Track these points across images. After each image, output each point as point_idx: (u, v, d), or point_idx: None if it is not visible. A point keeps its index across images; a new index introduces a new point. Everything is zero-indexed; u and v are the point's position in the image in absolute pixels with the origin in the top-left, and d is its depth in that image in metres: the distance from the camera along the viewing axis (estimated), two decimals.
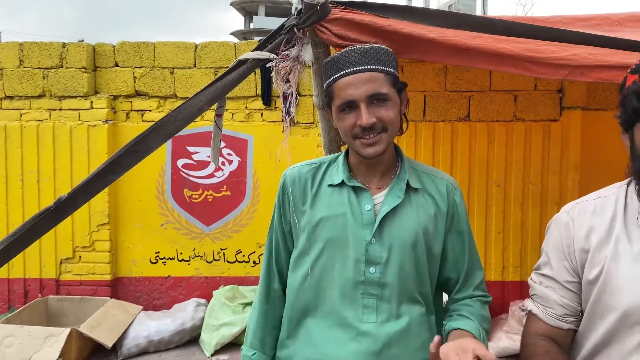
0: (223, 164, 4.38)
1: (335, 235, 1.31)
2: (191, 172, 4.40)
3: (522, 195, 4.17)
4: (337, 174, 1.36)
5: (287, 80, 1.83)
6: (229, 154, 4.38)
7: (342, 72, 1.29)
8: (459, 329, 1.29)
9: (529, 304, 1.29)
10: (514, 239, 4.22)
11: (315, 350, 1.31)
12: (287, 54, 1.67)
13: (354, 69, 1.28)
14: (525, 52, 1.55)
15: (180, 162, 4.39)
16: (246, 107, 4.39)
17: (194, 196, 4.41)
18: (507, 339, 3.81)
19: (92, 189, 1.55)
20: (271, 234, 1.45)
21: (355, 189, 1.34)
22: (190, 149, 4.38)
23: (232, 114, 4.39)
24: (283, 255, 1.43)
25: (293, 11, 1.67)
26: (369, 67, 1.28)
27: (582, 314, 1.22)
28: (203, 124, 4.37)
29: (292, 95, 1.75)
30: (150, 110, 4.41)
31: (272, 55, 1.65)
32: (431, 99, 4.21)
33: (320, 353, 1.31)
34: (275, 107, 4.37)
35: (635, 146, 1.09)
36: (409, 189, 1.34)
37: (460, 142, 4.20)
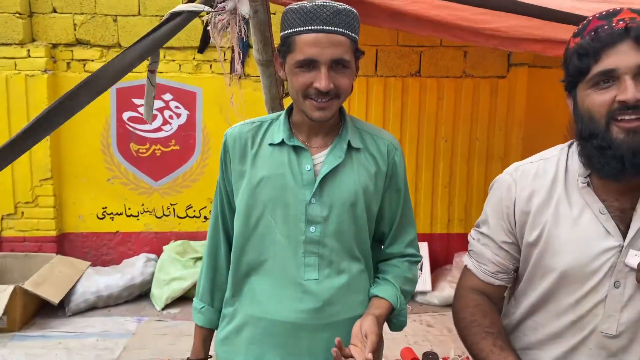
0: (171, 117, 4.26)
1: (276, 195, 1.31)
2: (138, 126, 4.27)
3: (469, 151, 4.27)
4: (278, 132, 1.35)
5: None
6: (177, 107, 4.26)
7: (310, 27, 1.23)
8: (377, 296, 1.34)
9: (465, 258, 1.34)
10: (459, 193, 4.34)
11: (258, 308, 1.34)
12: (224, 7, 1.60)
13: (325, 27, 1.22)
14: (459, 20, 1.54)
15: (126, 115, 4.25)
16: (194, 58, 4.25)
17: (141, 150, 4.30)
18: (450, 288, 3.98)
19: (18, 149, 1.48)
20: (217, 192, 1.44)
21: (296, 149, 1.33)
22: (137, 101, 4.23)
23: (180, 65, 4.25)
24: (228, 214, 1.43)
25: None
26: (340, 29, 1.23)
27: (515, 272, 1.28)
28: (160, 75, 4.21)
29: (233, 50, 1.68)
30: (92, 60, 4.21)
31: (206, 8, 1.58)
32: (383, 53, 4.19)
33: (262, 311, 1.33)
34: (225, 59, 4.25)
35: (578, 107, 1.11)
36: (350, 148, 1.34)
37: (411, 98, 4.23)
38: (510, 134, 4.24)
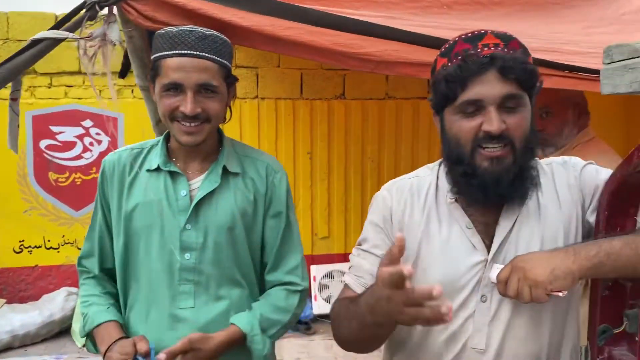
0: (92, 144, 4.13)
1: (151, 221, 1.30)
2: (56, 154, 4.10)
3: (395, 170, 4.35)
4: (155, 158, 1.34)
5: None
6: (98, 134, 4.13)
7: (175, 51, 1.23)
8: (233, 323, 1.32)
9: (345, 277, 1.34)
10: None
11: (141, 332, 1.31)
12: (91, 34, 1.58)
13: (189, 52, 1.23)
14: (334, 45, 1.59)
15: (44, 143, 4.08)
16: (115, 84, 4.14)
17: (60, 179, 4.13)
18: None
19: None
20: (93, 223, 1.41)
21: (172, 174, 1.32)
22: (54, 128, 4.07)
23: (100, 91, 4.12)
24: (107, 242, 1.39)
25: None
26: (205, 54, 1.25)
27: None
28: (67, 101, 4.08)
29: (108, 76, 1.65)
30: (6, 87, 4.03)
31: (70, 35, 1.55)
32: (308, 77, 4.24)
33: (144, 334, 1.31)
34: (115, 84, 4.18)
35: (446, 130, 1.14)
36: (227, 173, 1.34)
37: (337, 120, 4.29)
38: (434, 153, 4.36)
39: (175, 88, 1.24)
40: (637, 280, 1.01)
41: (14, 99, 1.64)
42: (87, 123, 4.12)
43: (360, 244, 1.32)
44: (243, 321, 1.32)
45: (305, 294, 1.44)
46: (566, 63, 1.69)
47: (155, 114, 1.95)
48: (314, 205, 4.36)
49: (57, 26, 1.61)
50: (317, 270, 4.32)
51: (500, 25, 1.63)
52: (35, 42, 1.55)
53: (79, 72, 4.08)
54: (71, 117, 4.07)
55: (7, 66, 1.53)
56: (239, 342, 1.31)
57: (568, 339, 1.16)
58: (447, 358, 1.16)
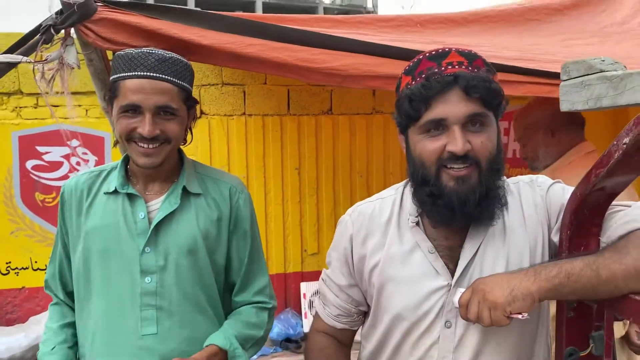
0: (78, 164, 4.11)
1: (108, 245, 1.28)
2: (43, 174, 4.08)
3: (384, 185, 4.32)
4: (113, 180, 1.33)
5: None
6: (85, 153, 4.11)
7: (134, 73, 1.22)
8: (210, 344, 1.30)
9: (315, 301, 1.33)
10: None
11: None
12: (47, 57, 1.57)
13: (148, 74, 1.23)
14: (298, 61, 1.58)
15: (30, 164, 4.06)
16: (80, 105, 4.15)
17: (47, 200, 4.10)
18: None
19: None
20: (55, 246, 1.40)
21: (130, 196, 1.31)
22: (40, 148, 4.06)
23: (87, 110, 4.13)
24: (66, 267, 1.38)
25: (49, 10, 1.56)
26: (164, 76, 1.24)
27: (360, 316, 1.27)
28: (53, 121, 4.06)
29: (67, 98, 1.65)
30: None
31: (24, 59, 1.54)
32: (295, 93, 4.24)
33: None
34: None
35: (410, 150, 1.13)
36: (188, 194, 1.32)
37: (324, 135, 4.28)
38: None
39: (134, 110, 1.23)
40: (602, 302, 0.99)
41: None
42: (74, 143, 4.10)
43: (327, 265, 1.30)
44: (219, 339, 1.30)
45: (273, 312, 1.43)
46: (541, 69, 1.68)
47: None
48: (304, 221, 4.33)
49: (11, 50, 1.60)
50: (307, 288, 4.27)
51: (476, 41, 1.62)
52: None
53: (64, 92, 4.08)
54: (57, 137, 4.05)
55: None
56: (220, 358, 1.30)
57: None
58: None
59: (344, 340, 1.28)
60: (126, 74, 1.23)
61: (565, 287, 0.95)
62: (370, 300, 1.22)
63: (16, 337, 3.71)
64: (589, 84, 0.97)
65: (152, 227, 1.27)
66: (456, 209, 1.06)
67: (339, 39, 1.57)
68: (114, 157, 4.14)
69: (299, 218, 4.31)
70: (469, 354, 1.09)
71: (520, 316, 0.95)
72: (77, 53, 1.65)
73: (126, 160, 1.36)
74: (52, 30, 1.49)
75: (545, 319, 1.14)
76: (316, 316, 1.31)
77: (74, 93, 4.10)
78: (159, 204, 1.30)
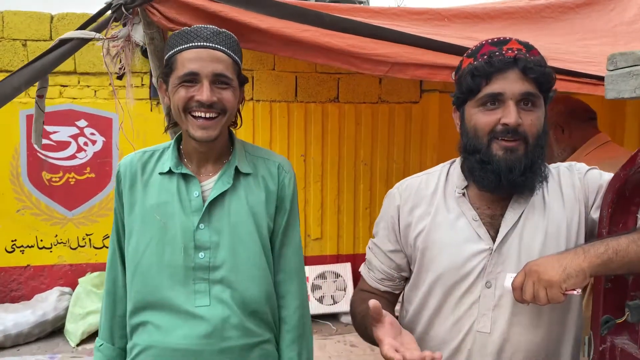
0: (86, 144, 4.12)
1: (164, 223, 1.32)
2: (50, 154, 4.08)
3: (387, 173, 4.43)
4: (167, 161, 1.36)
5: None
6: (92, 134, 4.13)
7: (191, 44, 1.26)
8: None
9: (361, 267, 1.42)
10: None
11: (151, 338, 1.32)
12: (117, 34, 1.62)
13: (205, 44, 1.26)
14: (349, 47, 1.65)
15: None
16: (110, 84, 4.15)
17: (53, 179, 4.11)
18: None
19: None
20: (114, 222, 1.42)
21: (185, 176, 1.34)
22: (48, 128, 4.05)
23: (95, 91, 4.14)
24: (125, 244, 1.40)
25: None
26: (219, 47, 1.28)
27: (402, 281, 1.36)
28: (62, 101, 4.07)
29: (127, 76, 1.69)
30: None
31: (97, 35, 1.58)
32: (302, 80, 4.29)
33: (155, 340, 1.32)
34: (143, 84, 4.20)
35: (465, 123, 1.23)
36: (239, 174, 1.36)
37: (331, 123, 4.34)
38: (425, 156, 4.44)
39: (192, 79, 1.26)
40: (639, 274, 1.08)
41: (41, 96, 1.66)
42: (82, 123, 4.12)
43: (374, 236, 1.39)
44: None
45: (305, 288, 1.47)
46: (569, 69, 1.77)
47: (169, 118, 1.97)
48: (307, 207, 4.41)
49: (83, 27, 1.64)
50: (310, 272, 4.36)
51: (499, 36, 1.70)
52: (63, 42, 1.58)
53: (74, 72, 4.09)
54: (65, 117, 4.06)
55: (35, 65, 1.56)
56: None
57: (570, 331, 1.23)
58: (454, 343, 1.23)
59: (385, 302, 1.36)
60: (183, 46, 1.26)
61: (614, 262, 1.04)
62: (413, 265, 1.31)
63: (23, 314, 3.75)
64: (636, 74, 1.06)
65: (206, 205, 1.31)
66: (503, 175, 1.16)
67: (387, 30, 1.65)
68: (122, 138, 4.15)
69: (303, 204, 4.39)
70: (507, 313, 1.18)
71: (575, 292, 1.03)
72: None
73: (178, 142, 1.40)
74: (122, 9, 1.53)
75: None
76: (361, 280, 1.41)
77: (81, 74, 4.12)
78: (211, 184, 1.34)
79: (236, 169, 1.35)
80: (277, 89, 4.26)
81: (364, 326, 1.24)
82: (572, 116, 2.14)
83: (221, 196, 1.33)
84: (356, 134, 4.37)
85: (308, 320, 1.46)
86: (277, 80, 4.26)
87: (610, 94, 1.11)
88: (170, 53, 1.30)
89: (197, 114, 1.26)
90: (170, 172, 1.34)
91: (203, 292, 1.30)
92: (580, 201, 1.22)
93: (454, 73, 1.29)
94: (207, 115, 1.27)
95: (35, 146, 1.69)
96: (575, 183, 1.24)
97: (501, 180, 1.16)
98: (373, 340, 1.21)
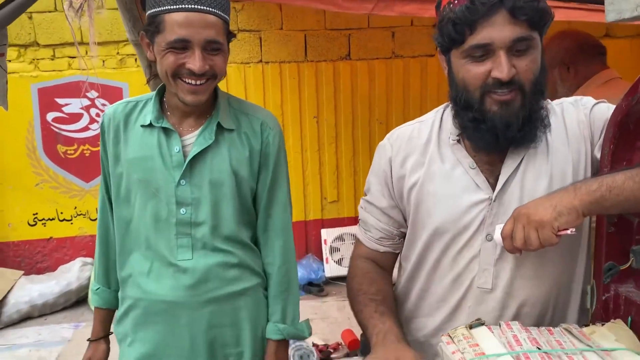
0: (98, 115, 4.12)
1: (146, 177, 1.30)
2: (63, 126, 4.11)
3: None
4: (148, 114, 1.33)
5: None
6: (104, 105, 4.11)
7: (181, 6, 1.18)
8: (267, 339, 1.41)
9: (356, 229, 1.34)
10: None
11: (139, 290, 1.35)
12: None
13: (197, 7, 1.19)
14: None
15: (50, 116, 4.08)
16: (118, 53, 4.12)
17: (69, 152, 4.14)
18: None
19: None
20: (102, 173, 1.42)
21: (165, 130, 1.31)
22: (60, 100, 4.07)
23: (103, 61, 4.11)
24: (113, 195, 1.40)
25: None
26: (212, 10, 1.21)
27: (401, 239, 1.28)
28: (72, 72, 4.06)
29: (90, 30, 1.62)
30: (10, 61, 4.02)
31: None
32: (312, 38, 4.16)
33: (142, 292, 1.35)
34: None
35: (453, 73, 1.11)
36: (222, 129, 1.32)
37: (343, 82, 4.22)
38: None
39: (182, 47, 1.20)
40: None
41: (1, 54, 1.61)
42: (92, 94, 4.11)
43: (365, 194, 1.31)
44: (274, 333, 1.40)
45: (291, 245, 1.44)
46: None
47: (150, 70, 1.91)
48: (323, 170, 4.34)
49: None
50: (328, 234, 4.32)
51: None
52: None
53: (81, 43, 4.05)
54: (76, 89, 4.05)
55: None
56: (284, 345, 1.42)
57: (578, 280, 1.14)
58: (453, 299, 1.16)
59: (386, 264, 1.29)
60: (172, 7, 1.19)
61: (608, 200, 0.94)
62: (408, 220, 1.22)
63: (48, 285, 3.84)
64: None
65: (187, 161, 1.29)
66: (499, 133, 1.05)
67: None
68: None
69: (318, 167, 4.32)
70: (510, 266, 1.09)
71: (569, 231, 0.94)
72: None
73: (160, 93, 1.35)
74: None
75: (586, 235, 1.13)
76: (357, 243, 1.32)
77: (88, 44, 4.08)
78: (193, 139, 1.31)
79: (218, 124, 1.32)
80: (286, 49, 4.14)
81: (361, 323, 1.19)
82: (579, 52, 1.95)
83: (203, 152, 1.30)
84: (370, 92, 4.24)
85: (294, 276, 1.44)
86: (285, 40, 4.14)
87: (611, 15, 0.98)
88: (157, 11, 1.21)
89: (188, 80, 1.23)
90: (151, 125, 1.31)
91: (186, 247, 1.31)
92: (586, 139, 1.11)
93: (435, 7, 1.15)
94: (199, 82, 1.23)
95: (2, 106, 1.65)
96: (581, 119, 1.13)
97: (498, 139, 1.06)
98: (360, 323, 1.19)
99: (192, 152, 1.29)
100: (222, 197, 1.31)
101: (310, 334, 1.46)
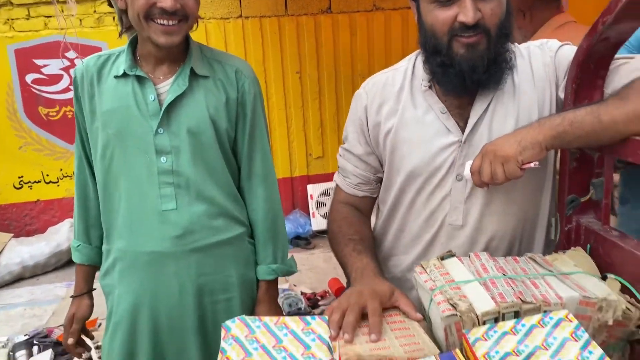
0: None
1: (123, 127, 1.31)
2: (43, 88, 4.06)
3: None
4: (121, 64, 1.32)
5: None
6: None
7: None
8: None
9: (335, 175, 1.39)
10: None
11: (124, 242, 1.37)
12: None
13: None
14: None
15: (30, 78, 4.03)
16: (95, 11, 4.04)
17: (51, 114, 4.11)
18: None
19: None
20: (77, 129, 1.42)
21: (139, 79, 1.31)
22: (38, 62, 4.01)
23: (80, 20, 4.03)
24: (89, 149, 1.41)
25: None
26: None
27: (378, 184, 1.34)
28: (48, 32, 3.99)
29: None
30: None
31: None
32: None
33: (128, 244, 1.36)
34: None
35: (422, 19, 1.14)
36: (196, 76, 1.33)
37: (324, 36, 4.20)
38: None
39: None
40: (603, 149, 1.04)
41: None
42: (71, 54, 4.04)
43: (343, 142, 1.35)
44: (264, 274, 1.45)
45: (276, 191, 1.47)
46: None
47: (122, 22, 1.88)
48: (307, 126, 4.37)
49: None
50: (314, 190, 4.39)
51: None
52: None
53: (57, 1, 3.95)
54: (54, 49, 3.99)
55: None
56: (274, 284, 1.47)
57: (544, 214, 1.21)
58: (427, 236, 1.23)
59: (364, 208, 1.35)
60: None
61: (569, 134, 0.99)
62: (385, 166, 1.28)
63: (38, 246, 3.89)
64: None
65: (163, 109, 1.30)
66: (466, 76, 1.08)
67: None
68: None
69: (303, 123, 4.35)
70: (479, 204, 1.16)
71: (532, 164, 0.99)
72: None
73: (133, 44, 1.36)
74: None
75: (551, 172, 1.20)
76: (337, 189, 1.38)
77: (64, 2, 3.99)
78: (167, 86, 1.32)
79: (192, 70, 1.32)
80: (266, 3, 4.09)
81: (341, 262, 1.25)
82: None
83: (179, 100, 1.31)
84: (352, 46, 4.23)
85: (281, 223, 1.48)
86: None
87: None
88: None
89: (160, 21, 1.22)
90: (125, 75, 1.31)
91: (169, 196, 1.32)
92: (551, 81, 1.16)
93: None
94: (171, 22, 1.23)
95: None
96: (547, 61, 1.17)
97: (465, 81, 1.10)
98: (340, 262, 1.25)
99: (167, 99, 1.30)
100: (202, 146, 1.32)
101: (297, 269, 1.51)
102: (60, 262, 3.95)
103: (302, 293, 3.11)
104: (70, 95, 4.10)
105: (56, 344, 2.74)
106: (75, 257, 1.47)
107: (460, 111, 1.17)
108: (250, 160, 1.42)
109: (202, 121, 1.32)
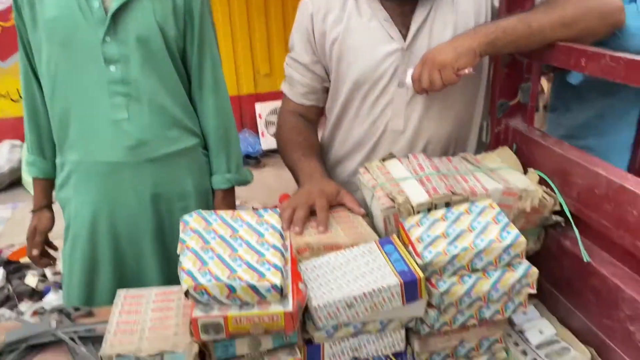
0: None
1: (69, 35, 1.28)
2: None
3: None
4: None
5: None
6: None
7: None
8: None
9: (282, 84, 1.43)
10: None
11: (78, 153, 1.37)
12: None
13: None
14: None
15: None
16: None
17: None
18: None
19: None
20: (20, 40, 1.36)
21: None
22: None
23: None
24: (32, 59, 1.37)
25: None
26: None
27: (323, 92, 1.39)
28: None
29: None
30: None
31: None
32: None
33: (82, 155, 1.36)
34: None
35: None
36: None
37: None
38: None
39: None
40: (532, 55, 1.12)
41: None
42: None
43: (290, 51, 1.37)
44: (218, 184, 1.49)
45: (226, 100, 1.49)
46: None
47: None
48: (254, 42, 4.28)
49: None
50: (262, 108, 4.38)
51: None
52: None
53: None
54: None
55: None
56: (231, 193, 1.52)
57: (477, 118, 1.31)
58: (371, 142, 1.31)
59: (311, 117, 1.40)
60: None
61: (501, 40, 1.07)
62: (331, 75, 1.32)
63: None
64: None
65: (109, 16, 1.26)
66: None
67: None
68: None
69: (249, 40, 4.25)
70: (419, 109, 1.24)
71: (466, 71, 1.07)
72: None
73: None
74: None
75: (485, 79, 1.28)
76: (285, 98, 1.42)
77: None
78: None
79: None
80: None
81: (291, 168, 1.31)
82: None
83: (126, 7, 1.28)
84: None
85: (233, 131, 1.50)
86: None
87: None
88: None
89: None
90: None
91: (120, 106, 1.32)
92: None
93: None
94: None
95: None
96: None
97: None
98: (290, 168, 1.32)
99: (112, 7, 1.27)
100: (152, 54, 1.32)
101: (252, 179, 1.57)
102: (3, 185, 3.87)
103: (253, 209, 3.19)
104: (3, 6, 3.82)
105: (7, 263, 2.75)
106: (31, 172, 1.46)
107: (402, 19, 1.22)
108: (200, 70, 1.41)
109: (150, 28, 1.30)
